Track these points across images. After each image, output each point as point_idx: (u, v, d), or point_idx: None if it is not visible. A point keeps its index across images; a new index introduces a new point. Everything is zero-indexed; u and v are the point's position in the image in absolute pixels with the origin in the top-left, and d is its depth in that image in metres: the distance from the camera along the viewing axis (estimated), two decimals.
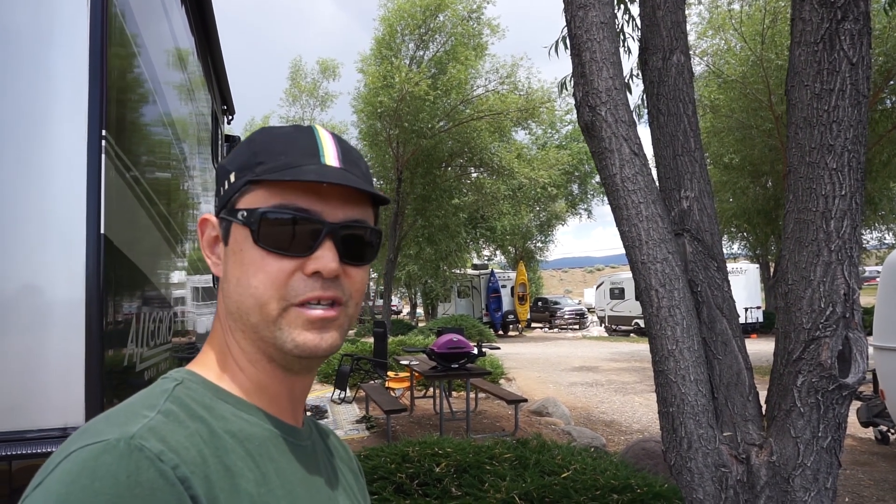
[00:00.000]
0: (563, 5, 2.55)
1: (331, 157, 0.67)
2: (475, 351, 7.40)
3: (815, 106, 2.23)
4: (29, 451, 1.38)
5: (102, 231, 1.43)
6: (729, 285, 2.58)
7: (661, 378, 2.37)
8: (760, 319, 21.36)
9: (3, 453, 1.37)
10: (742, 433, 2.37)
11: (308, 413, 0.87)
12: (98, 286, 1.42)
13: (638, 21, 3.15)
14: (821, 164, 2.22)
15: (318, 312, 0.64)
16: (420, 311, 34.75)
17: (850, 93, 2.19)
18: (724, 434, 2.38)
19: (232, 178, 0.67)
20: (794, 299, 2.28)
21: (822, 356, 2.17)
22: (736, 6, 14.55)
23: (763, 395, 2.39)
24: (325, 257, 0.64)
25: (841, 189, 2.20)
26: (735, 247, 22.87)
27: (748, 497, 2.28)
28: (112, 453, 0.49)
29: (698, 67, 15.98)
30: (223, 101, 5.14)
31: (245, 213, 0.65)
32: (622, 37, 4.26)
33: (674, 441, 2.37)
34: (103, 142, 1.44)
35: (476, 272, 28.73)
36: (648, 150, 2.87)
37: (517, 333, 27.78)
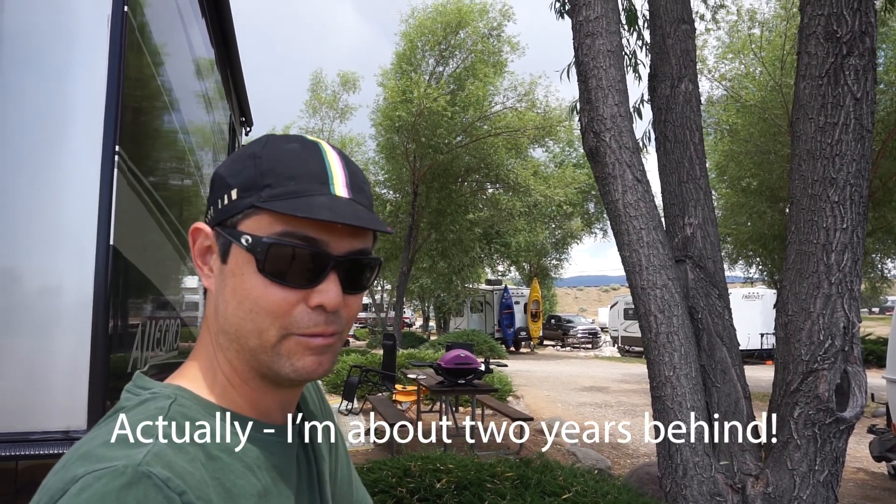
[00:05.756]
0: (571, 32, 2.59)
1: (340, 184, 0.66)
2: (482, 367, 7.40)
3: (819, 139, 2.24)
4: (33, 452, 1.44)
5: (112, 243, 1.49)
6: (730, 313, 2.57)
7: (658, 404, 2.38)
8: None
9: (9, 453, 1.42)
10: (739, 462, 2.36)
11: None
12: (105, 295, 1.47)
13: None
14: (823, 196, 2.22)
15: (318, 340, 0.65)
16: (433, 324, 34.72)
17: (854, 127, 2.19)
18: (721, 463, 2.38)
19: (234, 194, 0.65)
20: (794, 330, 2.28)
21: (820, 389, 2.16)
22: (756, 31, 14.51)
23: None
24: (331, 291, 0.64)
25: (842, 222, 2.20)
26: (752, 270, 22.48)
27: None
28: (121, 480, 0.50)
29: (717, 91, 15.93)
30: (241, 113, 5.24)
31: (249, 240, 0.63)
32: (634, 61, 4.29)
33: (669, 468, 2.37)
34: (116, 157, 1.51)
35: (490, 287, 28.65)
36: (654, 177, 2.89)
37: (529, 350, 27.61)
